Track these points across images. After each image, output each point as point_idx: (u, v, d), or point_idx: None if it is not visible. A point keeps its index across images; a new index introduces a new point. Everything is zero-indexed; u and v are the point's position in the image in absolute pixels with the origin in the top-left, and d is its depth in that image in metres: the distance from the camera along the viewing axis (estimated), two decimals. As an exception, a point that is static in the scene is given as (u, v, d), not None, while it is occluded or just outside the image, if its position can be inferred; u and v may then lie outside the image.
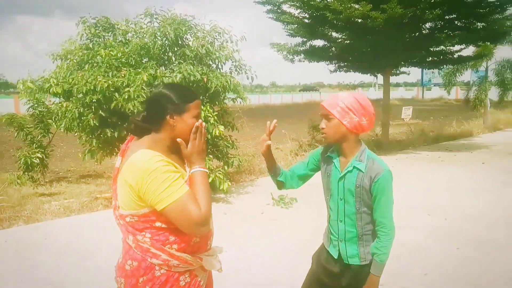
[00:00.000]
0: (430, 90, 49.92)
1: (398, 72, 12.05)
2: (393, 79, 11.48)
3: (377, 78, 14.99)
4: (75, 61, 5.70)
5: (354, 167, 1.94)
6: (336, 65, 11.81)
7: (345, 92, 1.98)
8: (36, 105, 7.42)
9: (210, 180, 5.71)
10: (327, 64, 11.88)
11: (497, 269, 3.81)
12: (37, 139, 7.60)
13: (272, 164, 2.12)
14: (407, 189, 6.91)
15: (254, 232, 4.93)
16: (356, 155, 1.95)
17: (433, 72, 41.59)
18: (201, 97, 6.24)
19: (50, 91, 5.46)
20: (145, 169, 1.51)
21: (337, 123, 1.90)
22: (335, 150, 2.04)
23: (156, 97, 1.67)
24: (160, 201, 1.50)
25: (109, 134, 5.48)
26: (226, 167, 6.22)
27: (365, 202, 1.96)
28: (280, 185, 2.19)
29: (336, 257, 2.07)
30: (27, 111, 7.53)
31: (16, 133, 7.61)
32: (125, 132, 5.72)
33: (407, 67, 11.87)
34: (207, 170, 1.71)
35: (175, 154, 1.70)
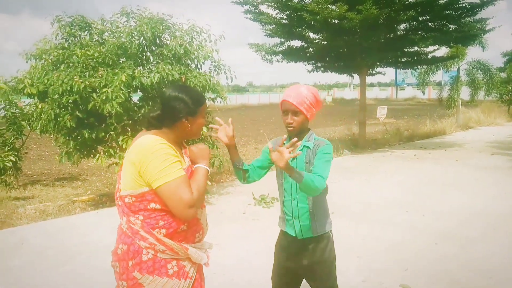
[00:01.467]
0: (404, 90, 51.02)
1: (374, 72, 12.27)
2: (367, 80, 11.71)
3: (353, 78, 15.17)
4: (50, 61, 5.54)
5: (304, 146, 2.20)
6: (314, 65, 11.93)
7: (303, 87, 2.22)
8: (8, 106, 7.19)
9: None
10: (305, 65, 11.99)
11: (474, 264, 3.93)
12: (9, 141, 7.36)
13: (236, 155, 2.26)
14: (384, 186, 7.05)
15: (236, 232, 4.92)
16: (306, 137, 2.23)
17: (406, 72, 42.61)
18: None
19: (25, 91, 5.29)
20: (149, 148, 1.68)
21: (303, 117, 2.19)
22: (288, 139, 2.10)
23: (173, 100, 1.80)
24: (158, 178, 1.64)
25: (86, 136, 5.35)
26: (206, 168, 6.17)
27: None
28: (245, 175, 2.32)
29: (293, 234, 2.26)
30: (-1, 112, 7.28)
31: (-14, 136, 7.36)
32: (103, 133, 5.61)
33: (383, 67, 12.10)
34: (209, 169, 1.88)
35: (178, 145, 1.85)
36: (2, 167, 6.96)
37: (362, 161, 9.58)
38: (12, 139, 7.40)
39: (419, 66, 13.42)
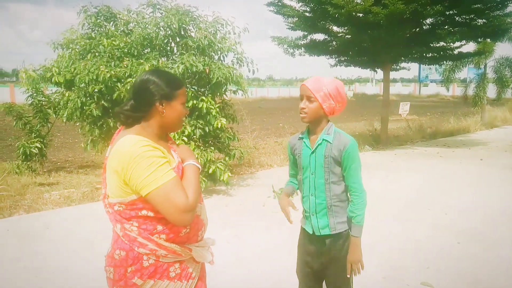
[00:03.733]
0: (427, 86, 50.03)
1: (398, 67, 12.05)
2: (390, 75, 11.47)
3: (376, 73, 14.95)
4: (77, 50, 5.66)
5: (323, 139, 2.11)
6: (337, 59, 11.79)
7: (327, 78, 2.12)
8: (35, 94, 7.36)
9: (210, 171, 5.71)
10: (328, 58, 11.86)
11: (496, 264, 3.85)
12: (35, 128, 7.55)
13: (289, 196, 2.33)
14: (406, 184, 6.95)
15: (256, 224, 4.94)
16: (324, 129, 2.13)
17: (430, 68, 41.74)
18: (202, 89, 6.25)
19: (52, 80, 5.41)
20: (130, 154, 1.48)
21: (317, 106, 2.07)
22: (306, 132, 2.22)
23: (144, 83, 1.64)
24: (145, 186, 1.47)
25: (111, 124, 5.45)
26: (227, 159, 6.21)
27: (333, 173, 2.12)
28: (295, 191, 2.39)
29: (310, 232, 2.22)
30: (26, 100, 7.46)
31: (14, 122, 7.56)
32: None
33: (407, 63, 11.86)
34: (200, 166, 1.71)
35: (164, 141, 1.70)
36: (28, 153, 7.17)
37: (384, 158, 9.46)
38: (38, 126, 7.59)
39: (444, 62, 13.09)
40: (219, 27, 6.22)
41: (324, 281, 2.31)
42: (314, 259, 2.25)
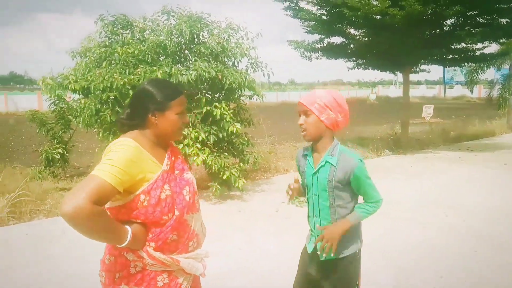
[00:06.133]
0: (453, 88, 48.84)
1: (418, 70, 11.81)
2: (414, 77, 11.31)
3: (396, 75, 14.70)
4: (93, 58, 5.80)
5: (326, 161, 2.00)
6: (355, 62, 11.67)
7: (322, 90, 2.04)
8: (57, 101, 7.60)
9: (225, 177, 5.73)
10: (345, 61, 11.76)
11: (515, 273, 3.71)
12: (58, 135, 7.78)
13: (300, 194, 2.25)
14: (425, 189, 6.79)
15: (268, 230, 4.93)
16: (329, 149, 2.02)
17: (455, 70, 40.66)
18: (216, 95, 6.29)
19: (69, 87, 5.57)
20: (107, 148, 1.55)
21: (315, 119, 1.97)
22: (310, 148, 2.12)
23: (139, 94, 1.68)
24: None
25: (126, 130, 5.54)
26: (241, 164, 6.23)
27: (338, 196, 2.02)
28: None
29: (310, 251, 2.13)
30: (49, 107, 7.71)
31: (38, 129, 7.82)
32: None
33: (427, 65, 11.60)
34: (128, 240, 1.53)
35: (162, 148, 1.70)
36: (50, 158, 7.38)
37: (403, 162, 9.28)
38: (60, 132, 7.82)
39: (466, 64, 12.75)
40: (231, 33, 6.25)
41: None
42: (314, 277, 2.15)
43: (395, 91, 52.77)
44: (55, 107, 7.61)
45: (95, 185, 1.41)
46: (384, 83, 67.83)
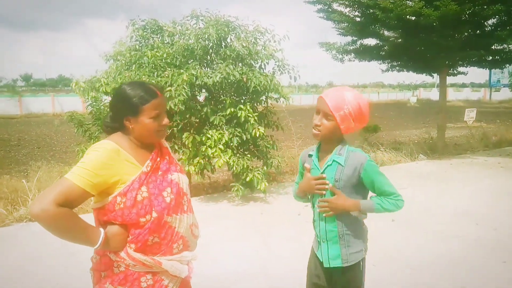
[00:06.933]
0: (499, 91, 46.55)
1: (455, 72, 11.34)
2: (459, 79, 10.88)
3: (433, 78, 14.19)
4: (123, 62, 6.02)
5: (333, 160, 1.93)
6: (389, 64, 11.39)
7: (350, 93, 1.88)
8: (94, 103, 7.93)
9: (248, 179, 5.77)
10: (379, 64, 11.49)
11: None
12: (94, 135, 8.10)
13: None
14: (458, 196, 6.53)
15: (288, 233, 4.91)
16: (336, 149, 1.94)
17: (502, 72, 38.71)
18: (243, 97, 6.33)
19: (101, 90, 5.80)
20: (86, 152, 1.59)
21: (334, 125, 1.87)
22: (316, 149, 2.05)
23: (114, 98, 1.70)
24: None
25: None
26: (265, 167, 6.25)
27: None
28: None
29: (321, 259, 2.03)
30: (86, 108, 8.06)
31: (76, 129, 8.19)
32: (168, 130, 5.94)
33: (466, 67, 11.12)
34: (99, 243, 1.57)
35: (144, 150, 1.71)
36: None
37: (438, 167, 8.96)
38: (97, 133, 8.14)
39: (507, 65, 12.10)
40: (258, 35, 6.28)
41: None
42: (323, 284, 2.09)
43: (437, 94, 50.92)
44: (92, 108, 7.94)
45: (63, 188, 1.47)
46: (426, 86, 65.58)
